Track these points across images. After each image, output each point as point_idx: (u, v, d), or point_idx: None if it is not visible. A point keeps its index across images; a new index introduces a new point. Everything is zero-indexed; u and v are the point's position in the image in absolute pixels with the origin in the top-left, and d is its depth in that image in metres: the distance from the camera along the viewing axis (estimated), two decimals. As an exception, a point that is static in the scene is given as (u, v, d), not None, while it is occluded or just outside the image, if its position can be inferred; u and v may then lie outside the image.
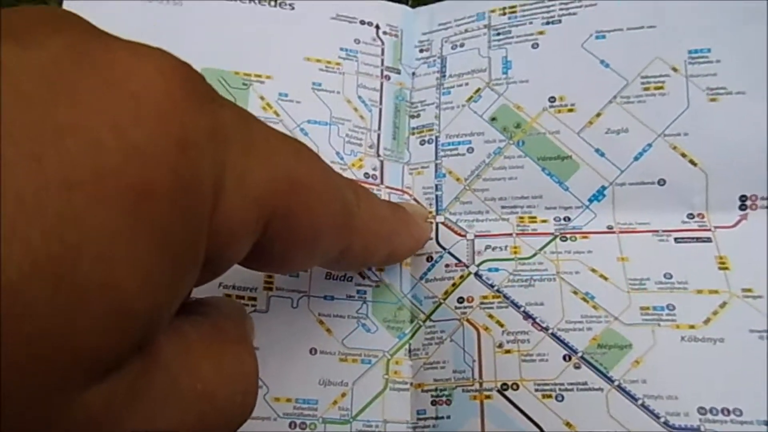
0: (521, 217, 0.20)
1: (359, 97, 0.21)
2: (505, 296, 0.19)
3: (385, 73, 0.22)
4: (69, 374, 0.08)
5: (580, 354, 0.17)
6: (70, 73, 0.08)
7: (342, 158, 0.21)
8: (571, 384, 0.17)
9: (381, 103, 0.22)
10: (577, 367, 0.17)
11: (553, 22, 0.21)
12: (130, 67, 0.08)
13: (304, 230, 0.12)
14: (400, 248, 0.18)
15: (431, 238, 0.20)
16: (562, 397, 0.17)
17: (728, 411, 0.16)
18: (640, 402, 0.16)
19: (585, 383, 0.17)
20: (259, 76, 0.21)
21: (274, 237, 0.11)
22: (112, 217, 0.08)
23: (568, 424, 0.17)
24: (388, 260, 0.19)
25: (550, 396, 0.17)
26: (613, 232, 0.19)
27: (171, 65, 0.09)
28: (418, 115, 0.22)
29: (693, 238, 0.18)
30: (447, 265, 0.20)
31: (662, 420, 0.16)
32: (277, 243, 0.12)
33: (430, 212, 0.21)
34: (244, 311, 0.14)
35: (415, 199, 0.21)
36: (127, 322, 0.08)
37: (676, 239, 0.18)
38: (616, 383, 0.17)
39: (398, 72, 0.22)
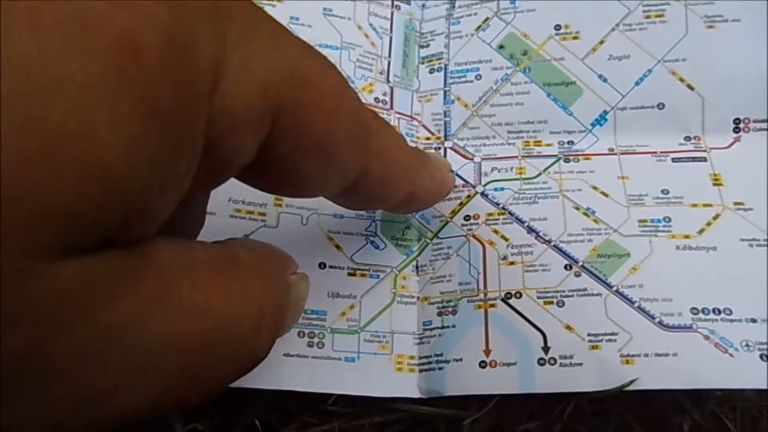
0: (527, 141, 0.20)
1: (370, 24, 0.22)
2: (510, 213, 0.19)
3: (396, 2, 0.23)
4: (38, 232, 0.07)
5: (580, 263, 0.18)
6: None
7: (353, 82, 0.21)
8: (572, 290, 0.18)
9: (391, 31, 0.22)
10: (577, 275, 0.18)
11: (560, -47, 0.21)
12: None
13: (316, 133, 0.11)
14: (420, 189, 0.16)
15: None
16: (563, 302, 0.18)
17: (719, 310, 0.17)
18: (636, 305, 0.17)
19: (585, 289, 0.18)
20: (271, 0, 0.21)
21: (283, 137, 0.10)
22: (90, 65, 0.07)
23: (568, 327, 0.18)
24: (407, 201, 0.16)
25: (551, 302, 0.18)
26: (614, 154, 0.20)
27: None
28: (428, 45, 0.22)
29: (689, 158, 0.19)
30: (454, 186, 0.20)
31: (657, 320, 0.17)
32: (287, 145, 0.11)
33: (438, 138, 0.21)
34: (280, 256, 0.13)
35: (423, 126, 0.22)
36: (103, 181, 0.07)
37: (673, 159, 0.19)
38: (615, 288, 0.18)
39: (408, 2, 0.23)
